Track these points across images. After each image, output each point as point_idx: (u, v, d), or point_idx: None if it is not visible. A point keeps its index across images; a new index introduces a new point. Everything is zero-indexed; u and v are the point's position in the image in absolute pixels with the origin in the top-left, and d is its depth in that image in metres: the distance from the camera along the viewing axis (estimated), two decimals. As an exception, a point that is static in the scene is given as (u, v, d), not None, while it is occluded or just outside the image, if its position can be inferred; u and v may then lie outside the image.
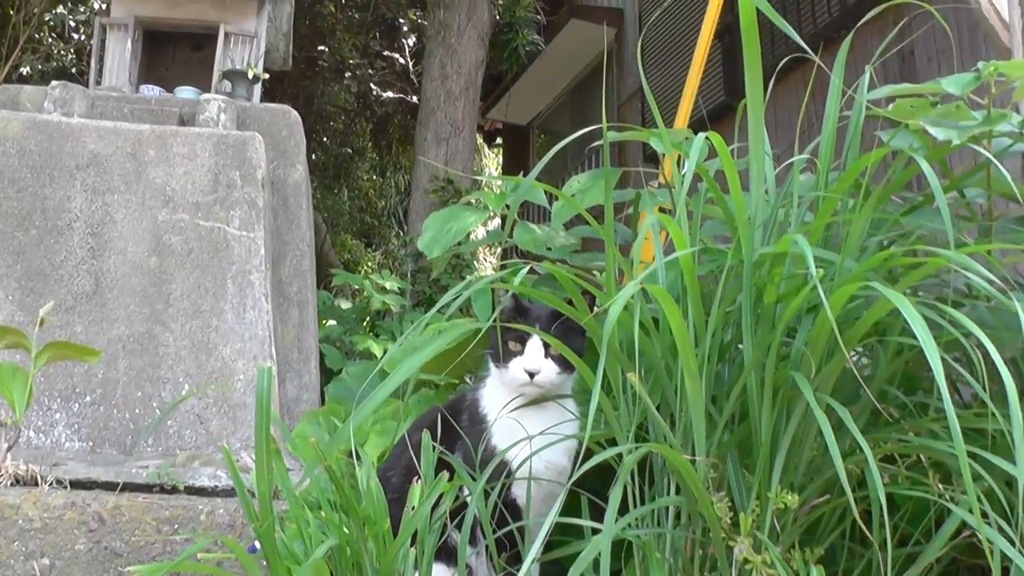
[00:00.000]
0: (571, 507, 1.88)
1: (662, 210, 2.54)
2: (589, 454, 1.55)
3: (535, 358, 1.85)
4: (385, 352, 3.68)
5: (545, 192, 2.51)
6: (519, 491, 1.89)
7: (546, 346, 1.84)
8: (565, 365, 1.85)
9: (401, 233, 12.43)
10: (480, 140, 14.67)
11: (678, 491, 1.61)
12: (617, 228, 2.58)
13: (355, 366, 3.93)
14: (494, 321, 1.85)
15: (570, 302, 1.78)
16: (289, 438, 2.56)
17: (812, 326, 1.49)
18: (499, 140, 14.22)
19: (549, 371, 1.84)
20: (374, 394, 1.56)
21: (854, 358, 1.75)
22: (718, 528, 1.49)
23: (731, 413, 1.62)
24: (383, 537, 1.57)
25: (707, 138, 1.73)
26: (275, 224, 3.87)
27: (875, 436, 1.58)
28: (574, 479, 1.52)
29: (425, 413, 2.22)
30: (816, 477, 1.57)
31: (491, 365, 1.96)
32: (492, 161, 17.32)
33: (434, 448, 1.85)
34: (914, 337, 1.20)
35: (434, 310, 1.59)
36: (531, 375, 1.84)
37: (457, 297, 1.63)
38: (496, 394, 1.96)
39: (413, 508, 1.63)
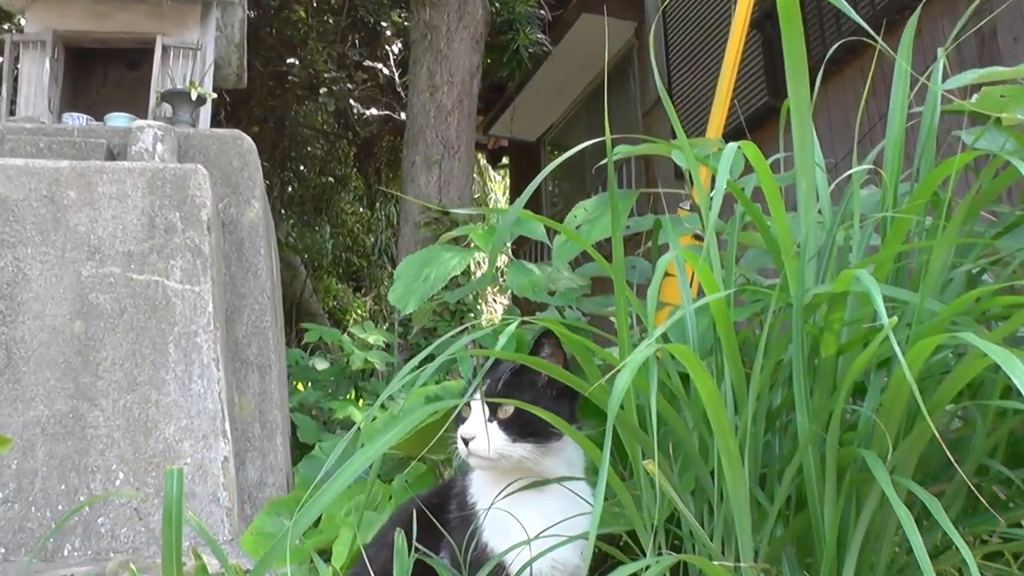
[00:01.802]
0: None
1: (696, 238, 2.42)
2: (603, 560, 1.42)
3: (472, 422, 1.73)
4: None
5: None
6: (522, 601, 1.76)
7: (494, 408, 1.72)
8: (527, 432, 1.71)
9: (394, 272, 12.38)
10: (483, 161, 14.65)
11: (721, 604, 1.46)
12: (638, 264, 2.45)
13: (331, 440, 3.80)
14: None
15: (569, 363, 1.65)
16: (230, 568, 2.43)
17: (885, 386, 1.35)
18: (505, 160, 14.17)
19: (488, 438, 1.71)
20: (331, 481, 1.41)
21: (943, 422, 1.61)
22: (776, 653, 1.34)
23: (785, 499, 1.48)
24: None
25: (740, 148, 1.59)
26: (227, 274, 3.76)
27: (975, 528, 1.43)
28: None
29: (406, 504, 2.10)
30: (900, 581, 1.43)
31: None
32: (499, 185, 17.29)
33: (414, 549, 1.72)
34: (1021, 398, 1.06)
35: (399, 379, 1.45)
36: (466, 442, 1.72)
37: (423, 365, 1.49)
38: (487, 479, 1.84)
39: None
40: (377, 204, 14.22)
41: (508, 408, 1.74)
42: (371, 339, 4.97)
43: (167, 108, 4.50)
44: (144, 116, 4.37)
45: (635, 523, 1.57)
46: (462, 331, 1.85)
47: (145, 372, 3.17)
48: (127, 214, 3.36)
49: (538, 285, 2.32)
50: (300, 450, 4.17)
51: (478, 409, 1.75)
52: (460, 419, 1.80)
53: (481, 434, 1.72)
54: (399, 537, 1.72)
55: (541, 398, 1.72)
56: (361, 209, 14.64)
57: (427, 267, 2.38)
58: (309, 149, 13.68)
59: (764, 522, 1.48)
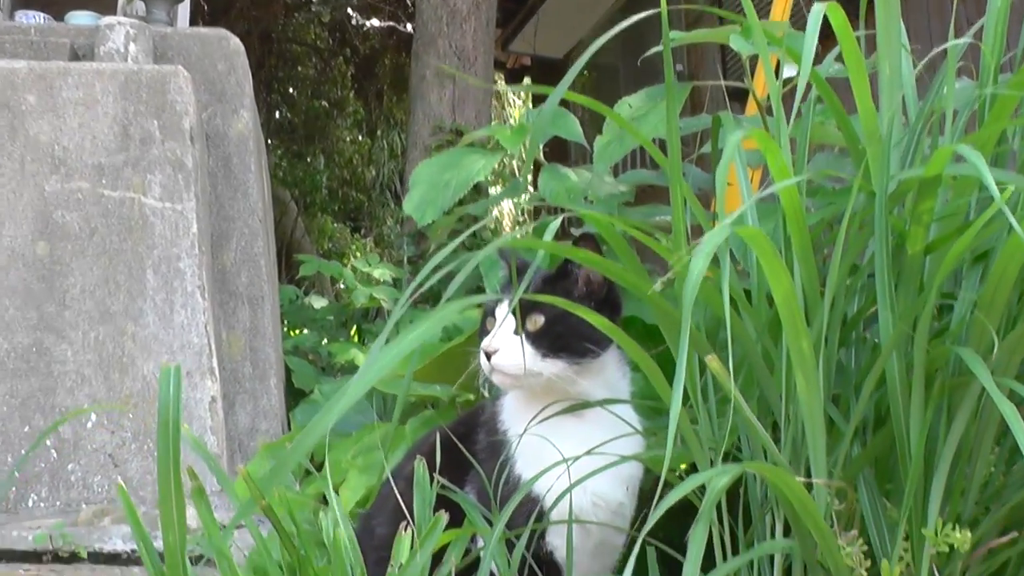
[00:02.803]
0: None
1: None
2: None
3: (498, 334, 1.75)
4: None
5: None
6: (557, 540, 1.78)
7: (525, 318, 1.73)
8: (560, 347, 1.73)
9: (398, 210, 12.31)
10: (501, 82, 14.56)
11: (786, 533, 1.48)
12: (689, 172, 2.46)
13: (332, 383, 3.83)
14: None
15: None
16: (230, 485, 2.45)
17: (983, 282, 1.36)
18: (527, 81, 14.09)
19: (515, 352, 1.72)
20: (332, 402, 1.40)
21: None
22: (851, 585, 1.36)
23: (862, 417, 1.49)
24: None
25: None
26: (213, 194, 3.77)
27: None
28: (646, 525, 1.38)
29: (426, 435, 2.12)
30: (996, 505, 1.44)
31: None
32: (519, 111, 17.22)
33: (435, 481, 1.73)
34: None
35: (418, 280, 1.44)
36: (488, 356, 1.74)
37: (438, 269, 1.47)
38: (521, 403, 1.85)
39: (400, 566, 1.50)
40: (379, 132, 14.16)
41: (538, 318, 1.74)
42: (376, 273, 4.98)
43: (139, 6, 4.48)
44: (111, 15, 4.35)
45: (692, 449, 1.57)
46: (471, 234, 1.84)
47: (120, 301, 3.19)
48: (97, 122, 3.37)
49: (574, 192, 2.32)
50: (294, 398, 4.20)
51: (502, 318, 1.77)
52: (484, 333, 1.81)
53: (506, 347, 1.73)
54: (419, 465, 1.73)
55: (601, 308, 1.73)
56: (360, 137, 14.57)
57: (447, 172, 2.38)
58: (300, 69, 13.61)
59: (839, 444, 1.49)
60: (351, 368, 4.41)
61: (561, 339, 1.74)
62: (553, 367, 1.74)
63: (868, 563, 1.39)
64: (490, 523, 1.68)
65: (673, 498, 1.26)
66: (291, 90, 13.75)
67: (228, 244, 3.76)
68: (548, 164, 2.39)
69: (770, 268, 1.32)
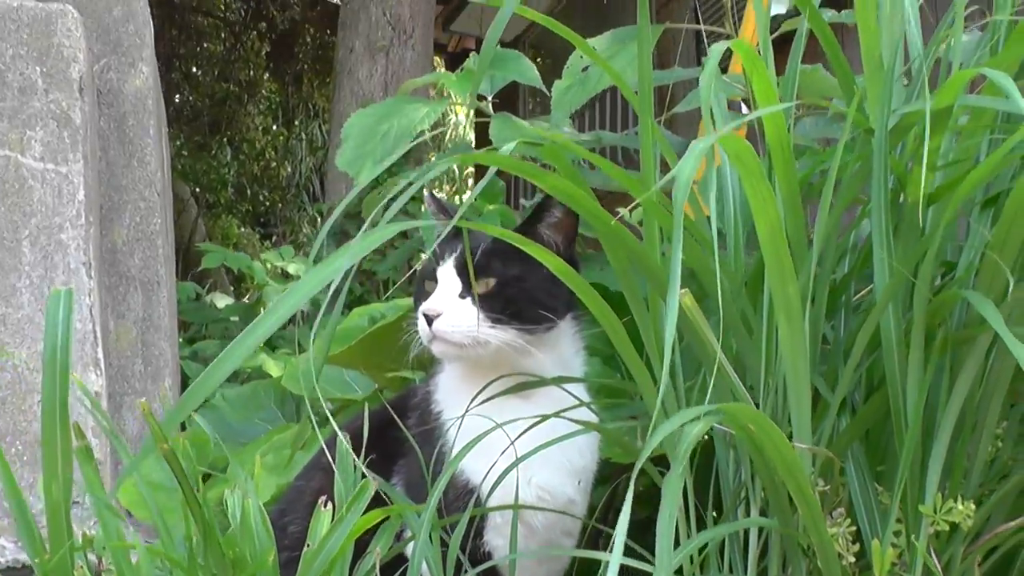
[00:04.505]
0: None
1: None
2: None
3: (439, 296, 1.75)
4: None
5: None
6: (497, 540, 1.79)
7: (469, 281, 1.74)
8: (512, 312, 1.74)
9: (316, 213, 12.25)
10: (441, 67, 14.61)
11: (763, 512, 1.49)
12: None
13: (236, 389, 3.81)
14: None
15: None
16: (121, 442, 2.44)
17: (996, 222, 1.38)
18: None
19: (462, 316, 1.73)
20: (227, 352, 1.30)
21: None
22: (836, 569, 1.37)
23: (851, 386, 1.51)
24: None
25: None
26: (104, 158, 3.74)
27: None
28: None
29: (348, 422, 2.11)
30: (1003, 485, 1.46)
31: None
32: (460, 106, 17.22)
33: (357, 467, 1.73)
34: None
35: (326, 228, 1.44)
36: (429, 321, 1.74)
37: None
38: (459, 381, 1.85)
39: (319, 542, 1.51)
40: (296, 121, 14.14)
41: (488, 280, 1.74)
42: (291, 268, 4.98)
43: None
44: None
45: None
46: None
47: (-11, 277, 3.16)
48: (-32, 67, 3.34)
49: (529, 139, 2.34)
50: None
51: (448, 280, 1.76)
52: (424, 295, 1.81)
53: (450, 310, 1.73)
54: (342, 444, 1.72)
55: (533, 273, 1.72)
56: (275, 127, 14.54)
57: (385, 122, 2.38)
58: (206, 46, 13.59)
59: (823, 419, 1.51)
60: (260, 375, 4.38)
61: (514, 304, 1.74)
62: (503, 334, 1.73)
63: (856, 546, 1.41)
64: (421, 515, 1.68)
65: (649, 447, 1.23)
66: (195, 69, 13.69)
67: (120, 218, 3.73)
68: (497, 114, 2.40)
69: (754, 192, 1.34)
